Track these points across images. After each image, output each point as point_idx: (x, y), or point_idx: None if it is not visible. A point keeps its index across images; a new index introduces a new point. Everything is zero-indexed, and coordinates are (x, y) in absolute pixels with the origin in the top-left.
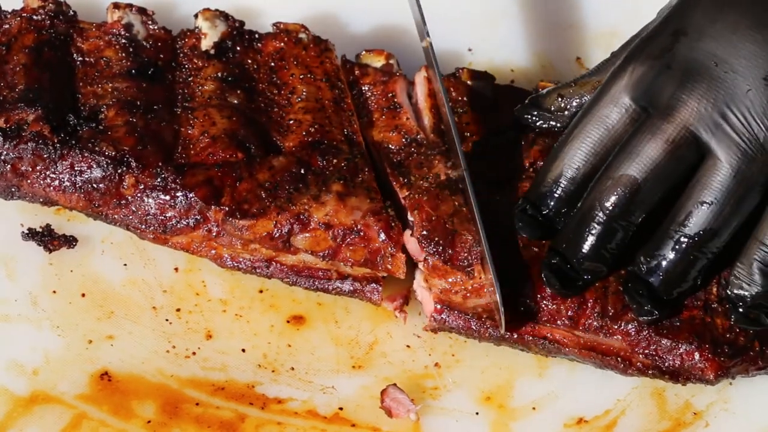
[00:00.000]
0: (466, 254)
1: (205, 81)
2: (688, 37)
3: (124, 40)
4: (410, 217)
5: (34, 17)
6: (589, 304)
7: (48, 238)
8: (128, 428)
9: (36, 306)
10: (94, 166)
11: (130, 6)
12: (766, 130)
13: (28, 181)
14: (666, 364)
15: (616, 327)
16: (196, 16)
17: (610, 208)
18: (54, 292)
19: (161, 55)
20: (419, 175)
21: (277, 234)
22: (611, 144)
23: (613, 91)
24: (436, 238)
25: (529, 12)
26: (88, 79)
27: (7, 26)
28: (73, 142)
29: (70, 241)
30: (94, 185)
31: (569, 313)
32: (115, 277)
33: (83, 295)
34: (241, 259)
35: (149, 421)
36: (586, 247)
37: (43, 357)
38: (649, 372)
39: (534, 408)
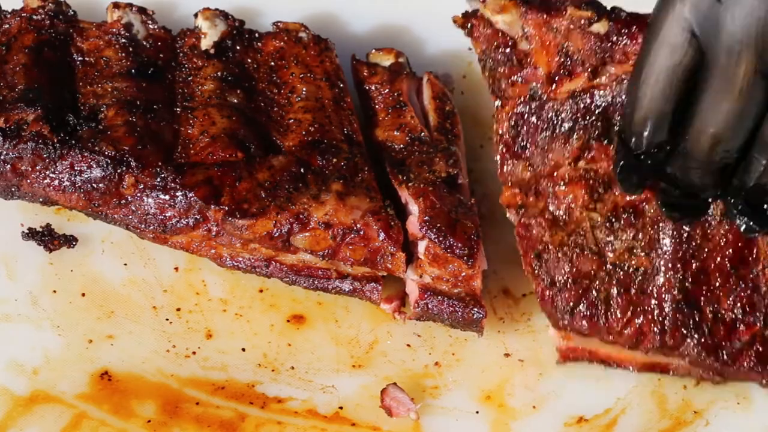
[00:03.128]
0: (467, 243)
1: (204, 80)
2: None
3: (123, 40)
4: (413, 206)
5: (34, 17)
6: (649, 334)
7: (48, 238)
8: (128, 428)
9: (36, 306)
10: (94, 165)
11: (129, 5)
12: None
13: (28, 180)
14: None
15: (677, 352)
16: (195, 15)
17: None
18: (54, 291)
19: (161, 55)
20: (419, 173)
21: (277, 233)
22: (686, 83)
23: (677, 25)
24: (439, 224)
25: None
26: (88, 78)
27: (6, 26)
28: (73, 141)
29: (70, 241)
30: (94, 185)
31: (629, 338)
32: (115, 276)
33: (83, 294)
34: (240, 259)
35: (149, 421)
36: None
37: (43, 357)
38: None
39: (534, 407)
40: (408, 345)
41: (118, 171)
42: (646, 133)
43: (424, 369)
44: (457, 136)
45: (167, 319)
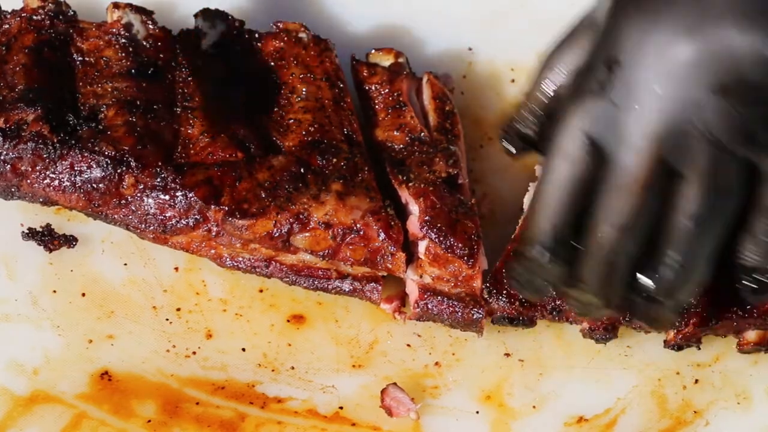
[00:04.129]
0: (468, 243)
1: (204, 80)
2: (622, 67)
3: (123, 40)
4: (413, 206)
5: (34, 17)
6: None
7: (48, 238)
8: (128, 427)
9: (36, 306)
10: (94, 165)
11: (129, 6)
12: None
13: (28, 180)
14: None
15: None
16: (196, 16)
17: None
18: (54, 291)
19: (161, 55)
20: (419, 173)
21: (277, 233)
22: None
23: (567, 138)
24: (439, 225)
25: (529, 11)
26: (88, 78)
27: (6, 26)
28: (73, 141)
29: (70, 241)
30: (94, 185)
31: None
32: (115, 276)
33: (83, 294)
34: (240, 259)
35: (149, 421)
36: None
37: (43, 357)
38: None
39: (534, 407)
40: (408, 345)
41: (118, 171)
42: (547, 243)
43: (424, 369)
44: (457, 136)
45: (167, 319)
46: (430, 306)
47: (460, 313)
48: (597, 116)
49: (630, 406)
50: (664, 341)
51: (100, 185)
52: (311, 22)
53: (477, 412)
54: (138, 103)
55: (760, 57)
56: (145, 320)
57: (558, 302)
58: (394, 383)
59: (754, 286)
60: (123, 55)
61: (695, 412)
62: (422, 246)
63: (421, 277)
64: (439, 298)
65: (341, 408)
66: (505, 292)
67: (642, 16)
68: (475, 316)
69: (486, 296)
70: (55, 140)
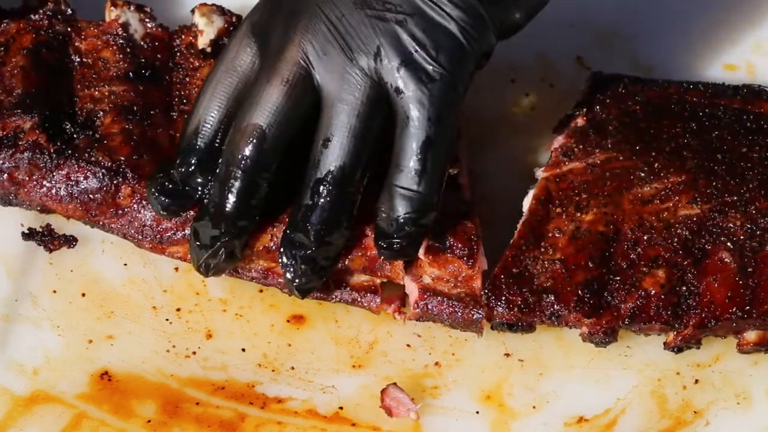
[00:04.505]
0: (467, 243)
1: (201, 82)
2: None
3: (121, 41)
4: None
5: (33, 17)
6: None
7: (48, 238)
8: (128, 428)
9: (36, 306)
10: (90, 176)
11: (127, 4)
12: (365, 54)
13: (25, 189)
14: None
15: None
16: (192, 11)
17: (243, 161)
18: (54, 291)
19: (159, 55)
20: None
21: (273, 247)
22: (246, 89)
23: (239, 34)
24: (439, 225)
25: None
26: (86, 81)
27: (5, 26)
28: (69, 151)
29: (70, 241)
30: (90, 195)
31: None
32: (115, 276)
33: (83, 294)
34: (239, 271)
35: (149, 421)
36: (229, 206)
37: (43, 357)
38: None
39: (534, 407)
40: (408, 345)
41: (115, 182)
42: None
43: (424, 369)
44: (458, 137)
45: (167, 319)
46: (429, 306)
47: (459, 314)
48: (262, 16)
49: (630, 406)
50: (664, 343)
51: (97, 195)
52: None
53: (477, 412)
54: (135, 108)
55: None
56: (145, 320)
57: (557, 307)
58: (394, 383)
59: (393, 242)
60: (120, 56)
61: (695, 412)
62: (422, 246)
63: (421, 277)
64: (438, 298)
65: (341, 408)
66: (504, 298)
67: None
68: (475, 317)
69: (485, 302)
70: (52, 150)
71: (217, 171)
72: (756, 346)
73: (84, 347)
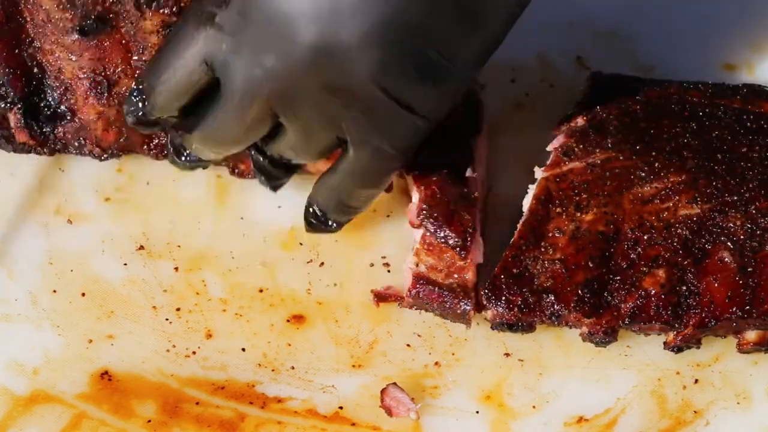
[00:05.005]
0: (462, 235)
1: (150, 35)
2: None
3: None
4: (415, 193)
5: None
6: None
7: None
8: (128, 427)
9: (36, 305)
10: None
11: None
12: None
13: None
14: None
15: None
16: None
17: None
18: (54, 291)
19: (98, 8)
20: (427, 160)
21: None
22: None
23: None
24: (436, 214)
25: (529, 10)
26: (41, 38)
27: None
28: (59, 147)
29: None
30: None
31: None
32: (115, 276)
33: (83, 294)
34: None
35: (149, 420)
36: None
37: (43, 356)
38: None
39: (534, 407)
40: (408, 345)
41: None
42: (155, 114)
43: (424, 369)
44: (479, 131)
45: (167, 319)
46: (421, 294)
47: (448, 304)
48: (215, 48)
49: (630, 406)
50: (664, 343)
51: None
52: None
53: (477, 412)
54: (101, 79)
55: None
56: (145, 320)
57: (557, 307)
58: (394, 383)
59: (311, 220)
60: (63, 7)
61: (695, 412)
62: (418, 234)
63: (417, 265)
64: (430, 287)
65: (341, 408)
66: (503, 298)
67: None
68: (462, 308)
69: (484, 302)
70: (45, 151)
71: None
72: (756, 346)
73: (84, 347)
